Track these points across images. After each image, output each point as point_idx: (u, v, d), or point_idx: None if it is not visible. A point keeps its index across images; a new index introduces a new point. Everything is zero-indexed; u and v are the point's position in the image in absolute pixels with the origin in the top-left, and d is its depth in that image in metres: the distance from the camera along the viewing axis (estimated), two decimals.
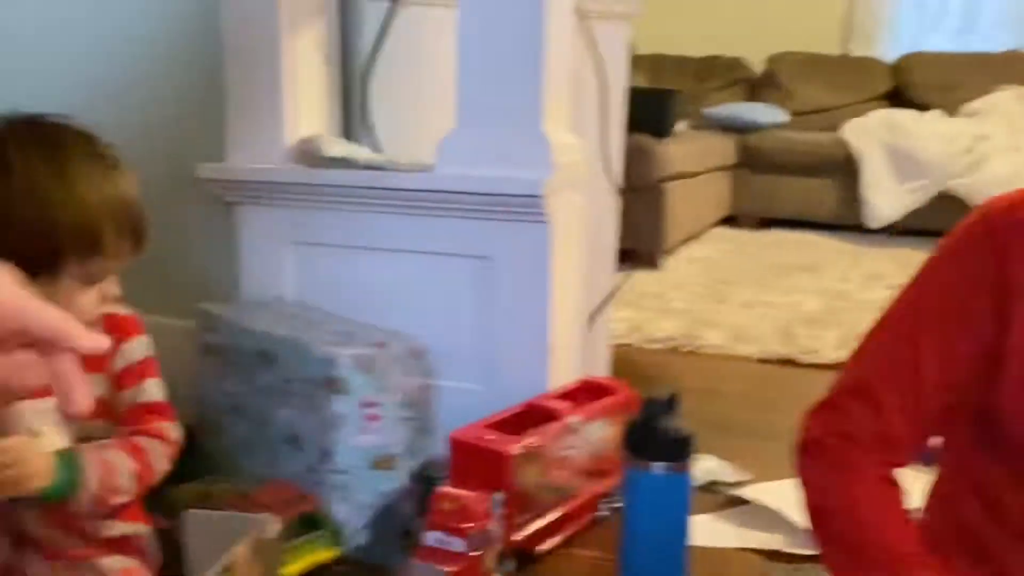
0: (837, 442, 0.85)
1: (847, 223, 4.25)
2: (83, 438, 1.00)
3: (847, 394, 0.86)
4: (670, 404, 1.10)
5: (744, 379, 2.27)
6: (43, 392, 0.92)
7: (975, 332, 0.79)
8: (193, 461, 1.49)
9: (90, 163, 0.98)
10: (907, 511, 0.83)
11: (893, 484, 0.83)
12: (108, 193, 0.98)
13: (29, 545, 1.01)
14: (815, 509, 0.85)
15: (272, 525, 0.70)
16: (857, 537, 0.81)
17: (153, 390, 1.08)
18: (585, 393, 1.49)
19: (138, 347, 1.09)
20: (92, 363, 1.06)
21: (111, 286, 1.01)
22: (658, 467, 1.07)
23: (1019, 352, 0.77)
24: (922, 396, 0.81)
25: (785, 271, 3.44)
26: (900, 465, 0.84)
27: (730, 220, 4.52)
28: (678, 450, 1.07)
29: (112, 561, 1.02)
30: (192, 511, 0.77)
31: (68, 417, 1.03)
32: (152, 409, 1.07)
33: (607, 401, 1.44)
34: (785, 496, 1.48)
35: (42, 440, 0.97)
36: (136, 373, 1.08)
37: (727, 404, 2.08)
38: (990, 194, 0.82)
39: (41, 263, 0.96)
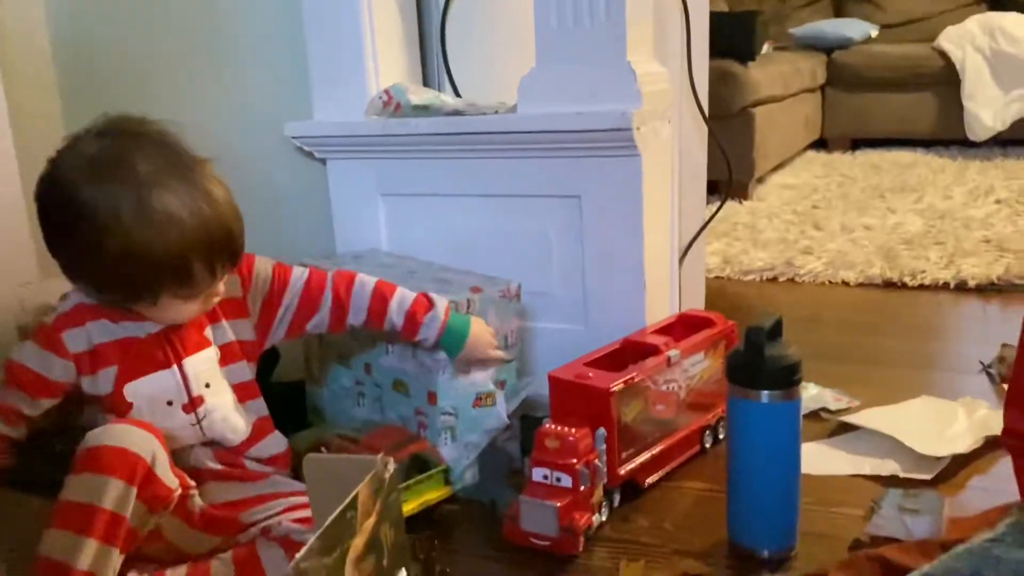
0: None
1: (946, 138, 4.05)
2: None
3: None
4: (774, 331, 1.08)
5: (845, 305, 2.21)
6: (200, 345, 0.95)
7: None
8: (303, 411, 1.55)
9: (175, 192, 0.96)
10: None
11: None
12: (195, 224, 0.97)
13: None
14: None
15: (388, 465, 0.72)
16: None
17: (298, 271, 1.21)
18: (683, 327, 1.48)
19: (260, 269, 1.17)
20: (232, 310, 1.14)
21: (216, 288, 1.06)
22: (765, 395, 1.06)
23: None
24: None
25: (882, 192, 3.31)
26: None
27: (821, 143, 4.36)
28: (784, 377, 1.05)
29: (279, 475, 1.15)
30: (311, 456, 0.79)
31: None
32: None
33: (705, 333, 1.42)
34: (895, 420, 1.45)
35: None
36: (277, 286, 1.19)
37: (829, 331, 2.03)
38: None
39: (137, 295, 1.00)
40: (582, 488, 1.14)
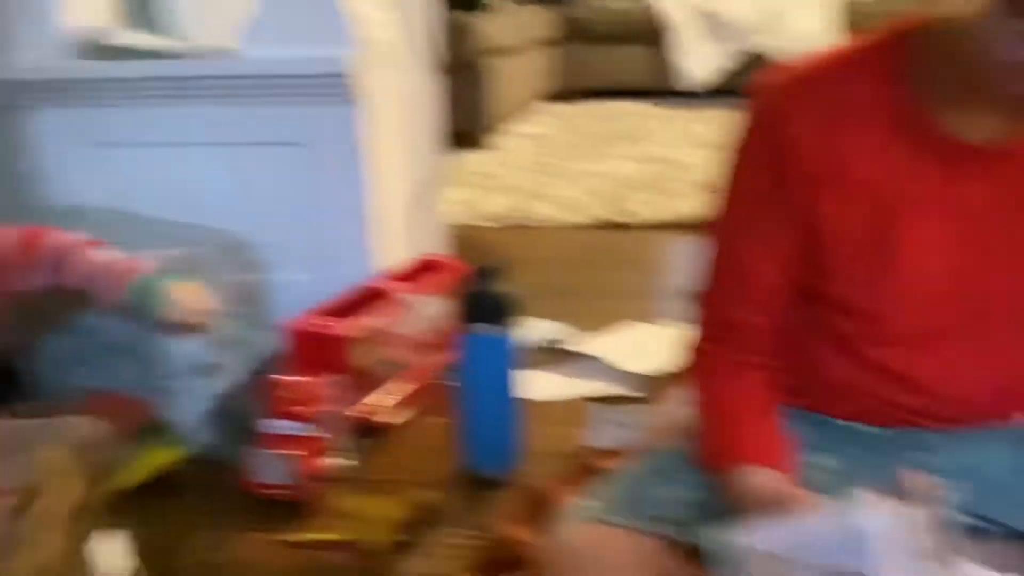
0: (702, 350, 0.88)
1: (665, 89, 4.39)
2: None
3: (702, 306, 0.89)
4: (494, 272, 1.14)
5: (575, 246, 2.36)
6: None
7: (789, 219, 0.81)
8: (10, 387, 1.42)
9: None
10: (758, 400, 0.84)
11: (745, 375, 0.85)
12: None
13: None
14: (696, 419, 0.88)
15: (91, 427, 0.69)
16: (704, 432, 0.85)
17: None
18: (422, 272, 1.51)
19: None
20: None
21: None
22: (482, 329, 1.12)
23: (832, 223, 0.80)
24: (765, 298, 0.84)
25: (608, 141, 3.54)
26: (760, 355, 0.86)
27: (558, 94, 4.57)
28: (499, 312, 1.12)
29: None
30: None
31: None
32: None
33: (440, 277, 1.47)
34: (613, 345, 1.59)
35: None
36: None
37: (560, 270, 2.16)
38: (796, 51, 0.82)
39: None
40: (317, 436, 1.15)
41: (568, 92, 4.55)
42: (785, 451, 0.83)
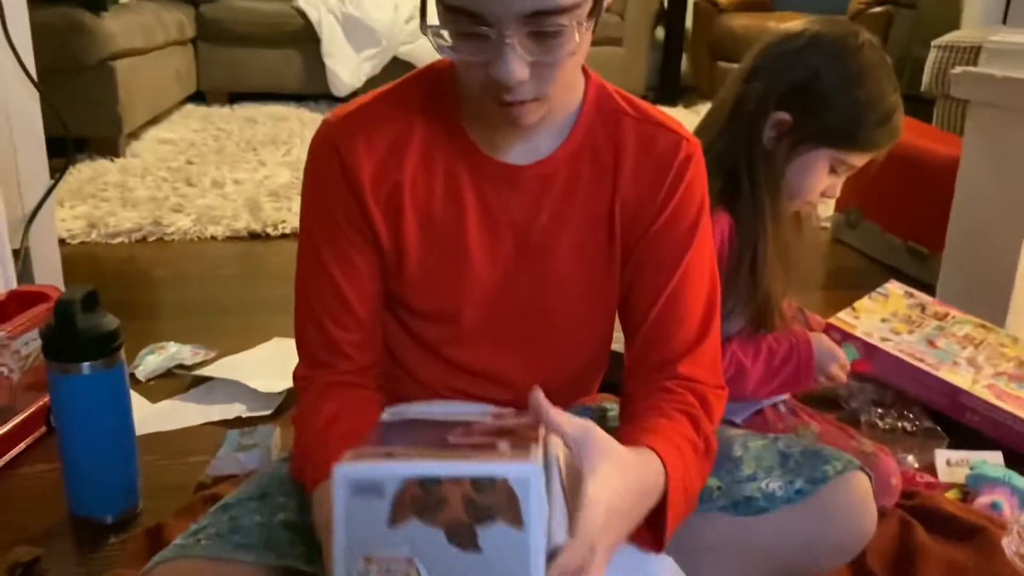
0: (300, 375, 0.91)
1: (315, 93, 4.38)
2: None
3: (296, 331, 0.91)
4: (88, 301, 1.08)
5: (212, 259, 2.28)
6: None
7: (365, 242, 0.87)
8: None
9: None
10: (348, 418, 0.86)
11: (338, 394, 0.88)
12: None
13: None
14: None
15: None
16: (296, 454, 0.87)
17: None
18: (17, 305, 1.38)
19: None
20: None
21: None
22: (84, 367, 1.05)
23: (406, 241, 0.87)
24: (354, 316, 0.89)
25: (255, 146, 3.46)
26: (356, 373, 0.90)
27: (200, 97, 4.37)
28: (101, 346, 1.06)
29: None
30: None
31: None
32: None
33: (36, 310, 1.35)
34: (245, 365, 1.57)
35: None
36: None
37: (192, 287, 2.08)
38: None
39: None
40: None
41: (215, 94, 4.37)
42: None
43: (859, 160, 1.18)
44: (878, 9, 4.17)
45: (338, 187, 0.86)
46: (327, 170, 0.87)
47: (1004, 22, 2.36)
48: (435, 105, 0.88)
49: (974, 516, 1.15)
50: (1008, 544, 1.06)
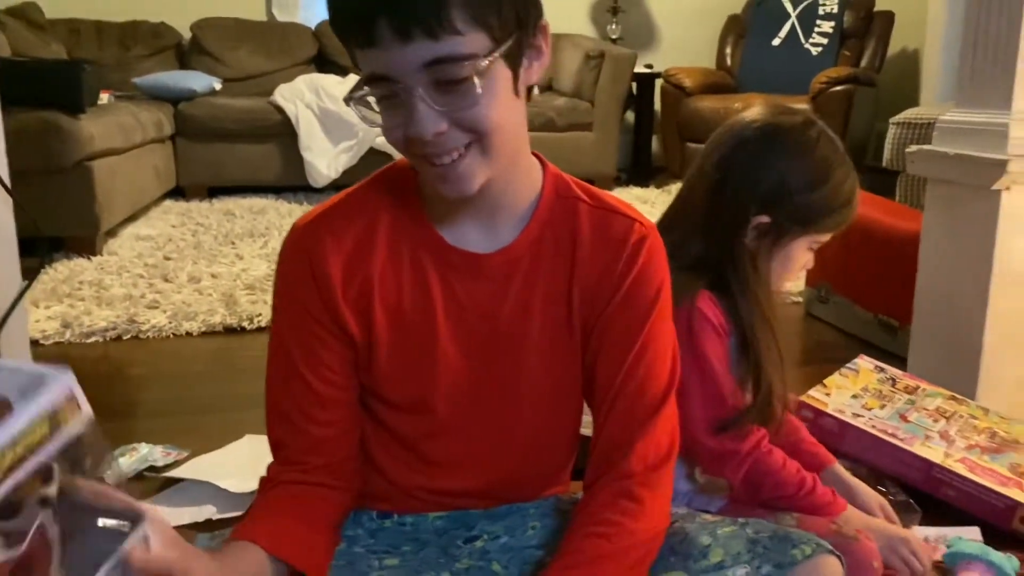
0: (269, 475, 0.93)
1: (294, 184, 4.44)
2: None
3: (268, 428, 0.93)
4: None
5: (186, 357, 2.27)
6: None
7: (335, 338, 0.89)
8: None
9: None
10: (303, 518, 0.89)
11: (296, 495, 0.90)
12: None
13: None
14: None
15: None
16: None
17: None
18: None
19: None
20: None
21: None
22: None
23: (384, 332, 0.89)
24: (326, 413, 0.90)
25: (233, 239, 3.48)
26: (323, 471, 0.91)
27: (179, 192, 4.41)
28: None
29: None
30: None
31: None
32: None
33: None
34: (217, 465, 1.55)
35: None
36: None
37: (166, 386, 2.07)
38: None
39: None
40: None
41: (194, 189, 4.42)
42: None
43: (831, 234, 1.25)
44: (839, 88, 4.32)
45: (308, 289, 0.89)
46: (298, 274, 0.89)
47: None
48: (399, 199, 0.91)
49: None
50: None
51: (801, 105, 4.33)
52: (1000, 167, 1.63)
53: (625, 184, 4.96)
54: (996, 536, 1.36)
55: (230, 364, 2.22)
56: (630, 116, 5.19)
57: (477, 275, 0.90)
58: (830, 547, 0.91)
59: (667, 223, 1.24)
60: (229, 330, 2.43)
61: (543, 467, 1.01)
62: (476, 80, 0.75)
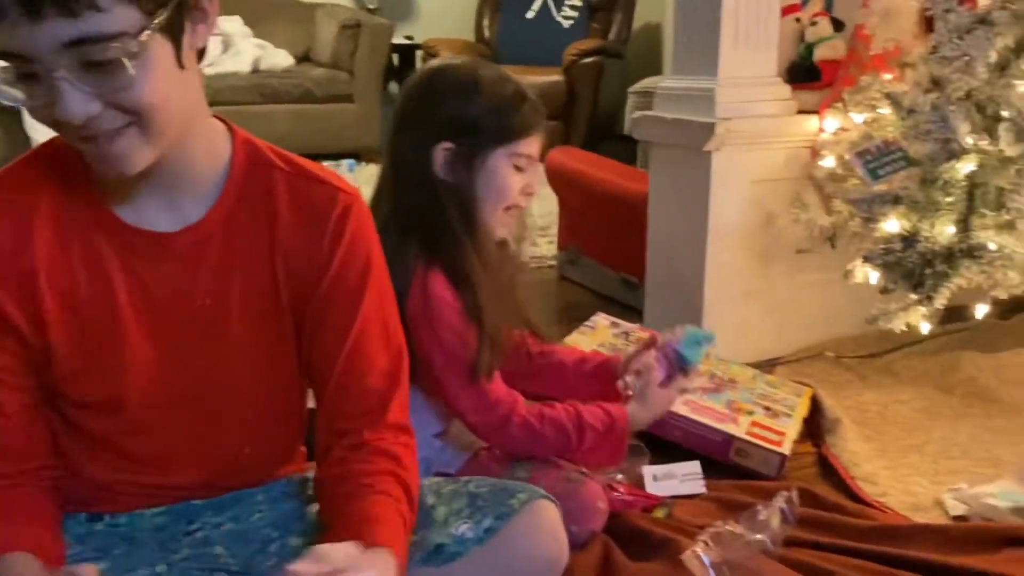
0: None
1: None
2: None
3: None
4: None
5: None
6: None
7: (2, 336, 0.80)
8: None
9: None
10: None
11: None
12: None
13: None
14: None
15: None
16: None
17: None
18: None
19: None
20: None
21: None
22: None
23: (59, 327, 0.81)
24: (3, 416, 0.82)
25: None
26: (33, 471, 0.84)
27: None
28: None
29: None
30: None
31: None
32: None
33: None
34: None
35: None
36: None
37: None
38: None
39: None
40: None
41: None
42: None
43: (531, 147, 1.24)
44: (589, 60, 4.51)
45: None
46: None
47: None
48: (64, 177, 0.81)
49: (664, 529, 1.23)
50: (689, 558, 1.13)
51: (555, 77, 4.49)
52: (709, 129, 1.77)
53: None
54: (717, 468, 1.48)
55: None
56: (394, 88, 5.15)
57: (163, 257, 0.83)
58: (544, 493, 0.95)
59: (376, 198, 1.24)
60: None
61: (266, 451, 0.96)
62: (127, 61, 0.68)
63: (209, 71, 4.38)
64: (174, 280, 0.84)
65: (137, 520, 0.92)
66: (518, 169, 1.23)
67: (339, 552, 0.69)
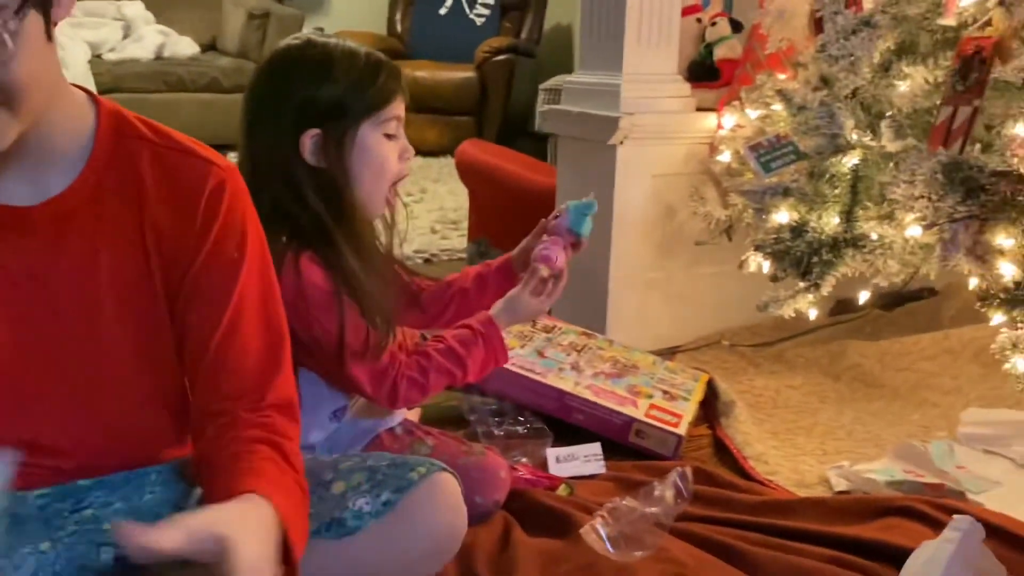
0: None
1: None
2: None
3: None
4: None
5: None
6: None
7: None
8: None
9: None
10: None
11: None
12: None
13: None
14: None
15: None
16: None
17: None
18: None
19: None
20: None
21: None
22: None
23: None
24: None
25: None
26: None
27: None
28: None
29: None
30: None
31: None
32: None
33: None
34: None
35: None
36: None
37: None
38: None
39: None
40: None
41: None
42: None
43: (397, 109, 1.19)
44: (501, 57, 4.54)
45: None
46: None
47: None
48: None
49: (564, 506, 1.26)
50: (587, 532, 1.17)
51: (468, 73, 4.51)
52: (613, 123, 1.81)
53: None
54: (617, 450, 1.53)
55: None
56: None
57: (22, 231, 0.79)
58: (443, 466, 0.97)
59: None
60: None
61: (146, 434, 0.91)
62: (7, 37, 0.66)
63: (110, 56, 4.25)
64: (33, 256, 0.80)
65: (19, 501, 0.88)
66: (389, 137, 1.19)
67: (199, 517, 0.68)
